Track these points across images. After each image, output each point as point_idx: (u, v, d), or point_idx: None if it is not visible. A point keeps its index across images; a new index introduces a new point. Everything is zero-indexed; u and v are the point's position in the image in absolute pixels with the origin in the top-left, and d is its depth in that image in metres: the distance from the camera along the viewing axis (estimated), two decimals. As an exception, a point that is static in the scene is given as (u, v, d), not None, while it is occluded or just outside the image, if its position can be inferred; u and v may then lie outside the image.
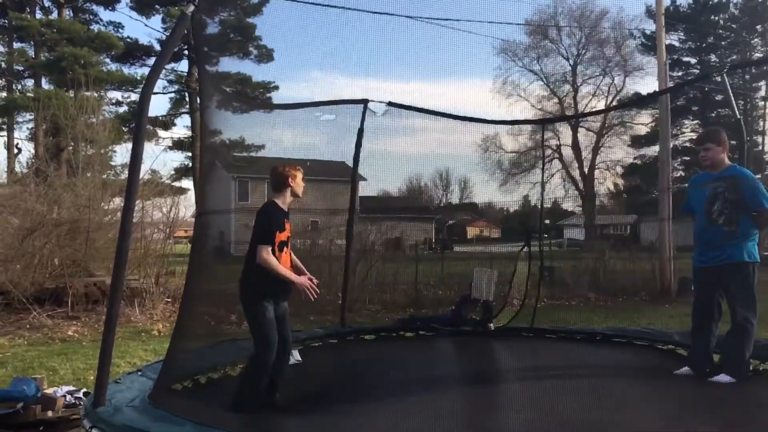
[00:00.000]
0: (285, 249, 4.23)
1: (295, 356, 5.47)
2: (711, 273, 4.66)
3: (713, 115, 35.02)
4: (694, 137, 34.72)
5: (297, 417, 4.10)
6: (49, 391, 5.22)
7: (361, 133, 6.86)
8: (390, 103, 6.94)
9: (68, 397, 5.15)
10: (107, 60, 30.26)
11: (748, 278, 4.56)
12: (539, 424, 3.75)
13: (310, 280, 4.26)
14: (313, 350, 6.16)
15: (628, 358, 5.61)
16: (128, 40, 31.72)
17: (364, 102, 6.82)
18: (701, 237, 4.75)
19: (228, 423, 3.61)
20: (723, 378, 4.48)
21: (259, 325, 4.05)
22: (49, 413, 4.95)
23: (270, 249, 4.05)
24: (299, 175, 4.41)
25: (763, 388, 4.54)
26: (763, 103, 37.81)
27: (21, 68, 29.46)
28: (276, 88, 28.31)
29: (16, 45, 29.58)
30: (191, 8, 4.18)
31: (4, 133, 28.66)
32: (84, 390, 5.32)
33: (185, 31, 4.73)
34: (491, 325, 6.82)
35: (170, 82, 33.80)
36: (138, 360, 7.21)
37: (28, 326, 9.94)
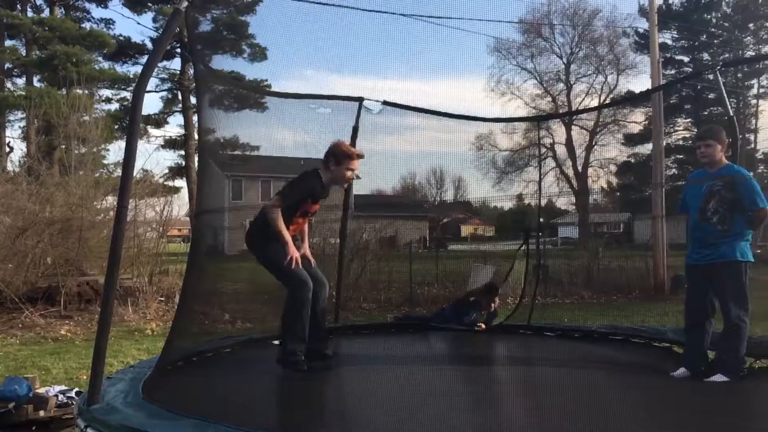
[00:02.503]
0: (306, 218, 4.15)
1: None
2: (703, 271, 4.66)
3: (706, 113, 35.18)
4: (688, 135, 34.94)
5: (296, 408, 4.07)
6: (41, 390, 5.19)
7: (356, 131, 6.83)
8: (385, 102, 6.92)
9: (60, 396, 5.13)
10: (99, 58, 30.17)
11: (740, 277, 4.56)
12: (536, 422, 3.74)
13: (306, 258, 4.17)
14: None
15: (625, 357, 5.61)
16: (120, 38, 31.62)
17: (360, 100, 6.79)
18: (694, 235, 4.76)
19: (225, 416, 3.58)
20: (718, 378, 4.48)
21: (283, 265, 3.89)
22: (41, 413, 4.92)
23: (281, 207, 3.93)
24: (346, 164, 4.06)
25: (759, 387, 4.54)
26: (755, 101, 37.99)
27: (12, 66, 29.29)
28: (269, 86, 28.26)
29: (8, 42, 29.41)
30: (185, 4, 4.14)
31: (-4, 131, 28.50)
32: (76, 389, 5.29)
33: (178, 29, 4.69)
34: (482, 324, 6.78)
35: (162, 80, 33.75)
36: (131, 359, 7.17)
37: (20, 325, 9.89)
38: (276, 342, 5.47)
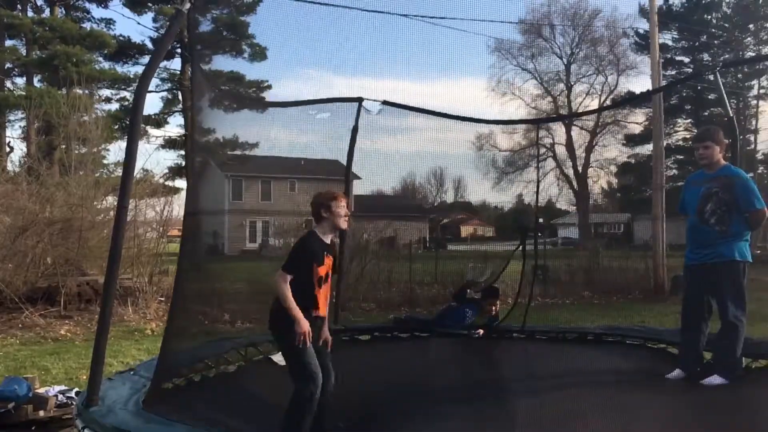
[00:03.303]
0: (324, 284, 3.92)
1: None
2: (702, 271, 4.67)
3: (706, 113, 35.15)
4: (689, 136, 34.92)
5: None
6: (41, 390, 5.20)
7: (355, 131, 6.84)
8: (385, 102, 6.92)
9: (60, 396, 5.13)
10: (100, 58, 30.14)
11: (738, 277, 4.57)
12: (533, 424, 3.75)
13: (325, 341, 3.95)
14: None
15: (621, 359, 5.60)
16: (120, 38, 31.59)
17: (359, 100, 6.80)
18: (693, 235, 4.77)
19: (220, 424, 3.59)
20: (715, 379, 4.48)
21: (298, 355, 3.71)
22: (41, 413, 4.94)
23: (289, 278, 3.74)
24: (335, 204, 3.94)
25: (757, 387, 4.54)
26: (755, 101, 37.96)
27: (12, 66, 29.29)
28: (269, 87, 28.32)
29: (8, 42, 29.39)
30: (187, 5, 4.15)
31: (-4, 131, 28.48)
32: (76, 389, 5.30)
33: (179, 29, 4.70)
34: (481, 330, 6.75)
35: (163, 80, 33.70)
36: (131, 359, 7.18)
37: (20, 325, 9.89)
38: (274, 358, 5.44)
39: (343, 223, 4.01)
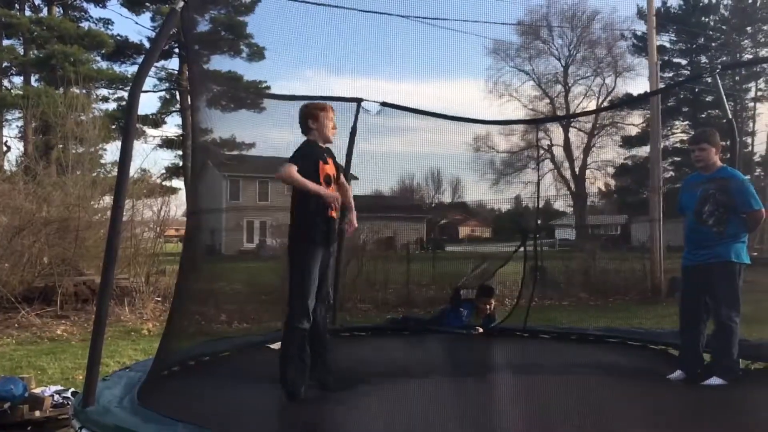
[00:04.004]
0: (332, 185, 3.97)
1: None
2: (699, 272, 4.68)
3: (704, 116, 35.22)
4: (686, 138, 34.97)
5: (289, 415, 4.06)
6: (37, 390, 5.17)
7: (353, 132, 6.83)
8: (383, 103, 6.91)
9: (56, 396, 5.11)
10: (97, 58, 30.14)
11: (733, 278, 4.58)
12: (533, 426, 3.74)
13: (349, 222, 4.08)
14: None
15: (620, 360, 5.60)
16: (118, 37, 31.60)
17: (358, 101, 6.78)
18: (691, 237, 4.78)
19: (219, 423, 3.57)
20: (714, 381, 4.48)
21: (300, 281, 3.74)
22: (37, 413, 4.91)
23: (294, 168, 3.76)
24: (322, 115, 3.97)
25: (755, 389, 4.54)
26: (753, 104, 38.04)
27: (10, 65, 29.25)
28: (268, 88, 28.30)
29: (5, 42, 29.36)
30: (181, 4, 4.14)
31: (-7, 130, 28.42)
32: (72, 389, 5.28)
33: (175, 28, 4.68)
34: (479, 328, 6.75)
35: (160, 80, 33.71)
36: (127, 359, 7.16)
37: (16, 325, 9.86)
38: (272, 346, 5.45)
39: (331, 135, 4.05)
